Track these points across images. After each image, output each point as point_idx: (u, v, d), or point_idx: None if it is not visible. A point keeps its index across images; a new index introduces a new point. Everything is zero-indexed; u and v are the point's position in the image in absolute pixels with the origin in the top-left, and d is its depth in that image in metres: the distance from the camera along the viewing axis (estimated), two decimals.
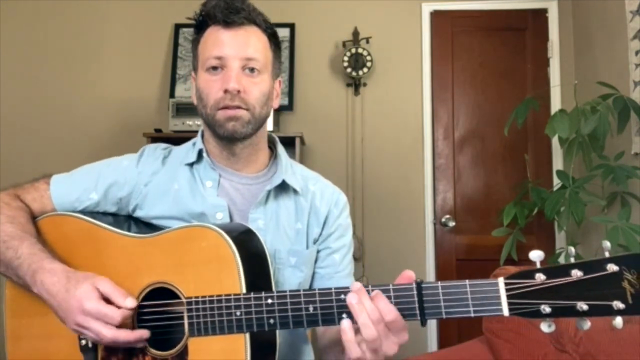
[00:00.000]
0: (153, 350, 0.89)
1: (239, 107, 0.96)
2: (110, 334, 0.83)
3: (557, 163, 2.81)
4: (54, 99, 2.93)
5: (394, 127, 2.92)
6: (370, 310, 0.73)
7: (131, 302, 0.85)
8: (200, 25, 1.00)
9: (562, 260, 2.33)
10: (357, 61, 2.83)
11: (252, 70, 0.97)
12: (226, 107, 0.96)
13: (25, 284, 0.90)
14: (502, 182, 2.85)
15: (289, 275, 1.01)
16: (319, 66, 2.96)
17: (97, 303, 0.83)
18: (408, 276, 0.77)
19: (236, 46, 0.95)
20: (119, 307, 0.84)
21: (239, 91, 0.95)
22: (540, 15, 2.92)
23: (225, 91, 0.94)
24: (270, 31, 1.01)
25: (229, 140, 1.00)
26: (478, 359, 1.57)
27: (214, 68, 0.96)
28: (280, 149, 1.10)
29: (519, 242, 2.44)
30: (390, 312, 0.73)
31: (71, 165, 1.10)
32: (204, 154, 1.04)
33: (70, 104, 2.93)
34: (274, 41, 1.03)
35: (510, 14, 2.93)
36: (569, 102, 2.49)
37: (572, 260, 0.69)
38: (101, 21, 2.98)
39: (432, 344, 2.79)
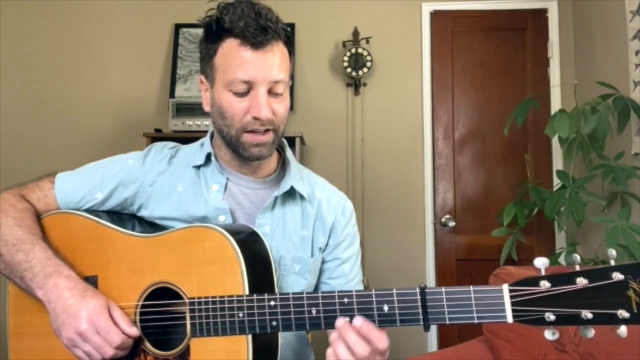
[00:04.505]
0: (155, 350, 0.89)
1: (267, 130, 0.95)
2: (110, 353, 0.84)
3: (557, 163, 2.81)
4: (54, 99, 2.93)
5: (394, 127, 2.92)
6: (355, 344, 0.74)
7: (135, 331, 0.87)
8: (218, 32, 0.93)
9: (562, 260, 2.33)
10: (357, 61, 2.82)
11: (277, 92, 0.94)
12: (254, 132, 0.94)
13: (29, 287, 0.90)
14: (502, 182, 2.86)
15: (292, 282, 1.01)
16: (319, 66, 2.95)
17: (107, 319, 0.85)
18: None
19: (265, 70, 0.91)
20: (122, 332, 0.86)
21: None
22: (540, 15, 2.92)
23: (256, 118, 0.92)
24: (288, 40, 0.96)
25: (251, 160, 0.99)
26: (478, 359, 1.57)
27: (242, 92, 0.93)
28: (289, 153, 1.09)
29: (519, 242, 2.44)
30: (384, 340, 0.74)
31: (71, 165, 1.10)
32: (213, 158, 1.03)
33: (70, 104, 2.93)
34: (291, 48, 0.99)
35: (510, 14, 2.93)
36: (569, 102, 2.49)
37: (577, 267, 0.69)
38: (101, 21, 2.98)
39: (432, 344, 2.80)
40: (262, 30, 0.90)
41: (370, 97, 2.93)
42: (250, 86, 0.92)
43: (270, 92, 0.94)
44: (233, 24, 0.90)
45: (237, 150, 0.97)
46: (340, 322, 0.75)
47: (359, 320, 0.74)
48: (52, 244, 0.96)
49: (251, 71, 0.91)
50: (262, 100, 0.92)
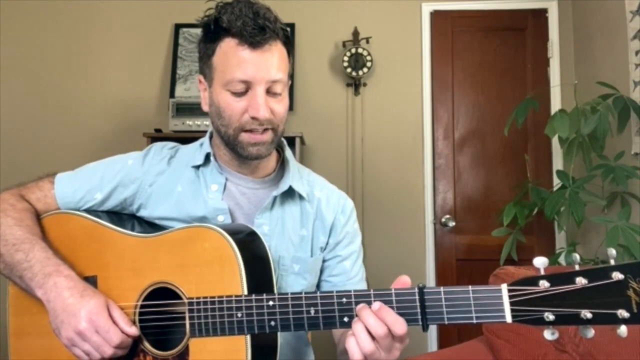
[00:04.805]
0: (154, 350, 0.89)
1: (265, 130, 0.95)
2: (109, 352, 0.84)
3: (557, 163, 2.81)
4: (54, 99, 2.93)
5: (394, 127, 2.92)
6: (374, 325, 0.72)
7: (135, 331, 0.87)
8: (216, 31, 0.93)
9: (562, 260, 2.33)
10: (357, 61, 2.82)
11: (276, 92, 0.94)
12: (252, 131, 0.94)
13: (29, 286, 0.90)
14: (502, 182, 2.86)
15: (292, 282, 1.01)
16: (319, 66, 2.95)
17: (107, 318, 0.85)
18: (404, 282, 0.76)
19: (263, 69, 0.91)
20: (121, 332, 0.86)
21: None
22: (540, 15, 2.92)
23: (254, 118, 0.92)
24: (287, 40, 0.96)
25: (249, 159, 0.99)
26: (478, 359, 1.57)
27: (240, 92, 0.93)
28: (288, 152, 1.09)
29: (519, 242, 2.44)
30: (401, 324, 0.72)
31: (71, 165, 1.10)
32: (212, 158, 1.03)
33: (70, 104, 2.93)
34: (289, 48, 0.98)
35: (510, 14, 2.93)
36: (569, 102, 2.49)
37: (577, 267, 0.68)
38: (101, 21, 2.98)
39: (432, 344, 2.80)
40: (260, 30, 0.89)
41: (370, 97, 2.92)
42: (248, 86, 0.92)
43: (269, 92, 0.93)
44: (231, 24, 0.90)
45: (236, 150, 0.97)
46: (359, 305, 0.75)
47: (376, 304, 0.74)
48: (52, 244, 0.96)
49: (249, 71, 0.90)
50: (260, 100, 0.91)
